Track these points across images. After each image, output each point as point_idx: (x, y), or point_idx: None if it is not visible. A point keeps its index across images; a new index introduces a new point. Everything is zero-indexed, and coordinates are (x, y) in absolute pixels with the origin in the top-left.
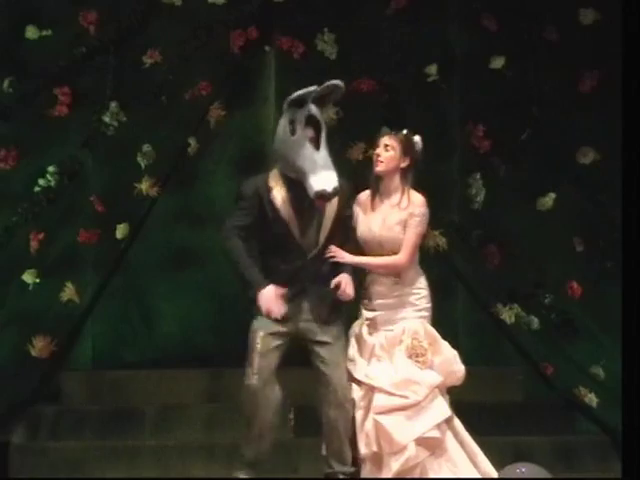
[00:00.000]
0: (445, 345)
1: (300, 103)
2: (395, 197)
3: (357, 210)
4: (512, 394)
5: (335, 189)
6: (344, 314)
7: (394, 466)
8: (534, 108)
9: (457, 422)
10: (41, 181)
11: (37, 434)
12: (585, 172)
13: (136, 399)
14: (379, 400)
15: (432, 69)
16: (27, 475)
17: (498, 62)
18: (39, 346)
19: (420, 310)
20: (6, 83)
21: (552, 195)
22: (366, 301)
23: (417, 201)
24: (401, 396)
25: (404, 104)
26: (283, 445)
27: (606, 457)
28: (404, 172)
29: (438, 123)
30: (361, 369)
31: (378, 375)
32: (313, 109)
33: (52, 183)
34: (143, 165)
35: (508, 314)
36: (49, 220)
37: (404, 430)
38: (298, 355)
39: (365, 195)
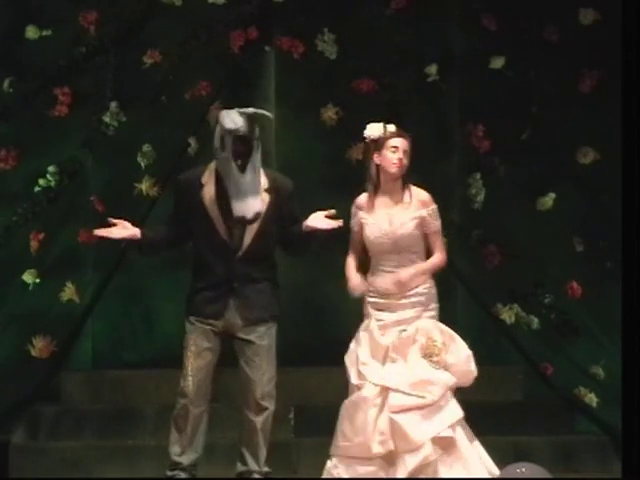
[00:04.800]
0: (461, 345)
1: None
2: (401, 195)
3: (360, 214)
4: (512, 394)
5: (256, 214)
6: (272, 316)
7: (410, 464)
8: (534, 108)
9: (464, 422)
10: (41, 181)
11: (37, 434)
12: (585, 172)
13: (136, 399)
14: (395, 399)
15: (432, 69)
16: (27, 475)
17: (498, 62)
18: (39, 346)
19: (430, 310)
20: (6, 83)
21: (552, 195)
22: (374, 300)
23: (426, 198)
24: (418, 396)
25: (404, 104)
26: (283, 445)
27: (606, 457)
28: (407, 170)
29: (438, 123)
30: (375, 372)
31: (392, 376)
32: (244, 130)
33: (52, 183)
34: (143, 165)
35: (508, 314)
36: (49, 220)
37: (420, 429)
38: (297, 356)
39: (363, 197)
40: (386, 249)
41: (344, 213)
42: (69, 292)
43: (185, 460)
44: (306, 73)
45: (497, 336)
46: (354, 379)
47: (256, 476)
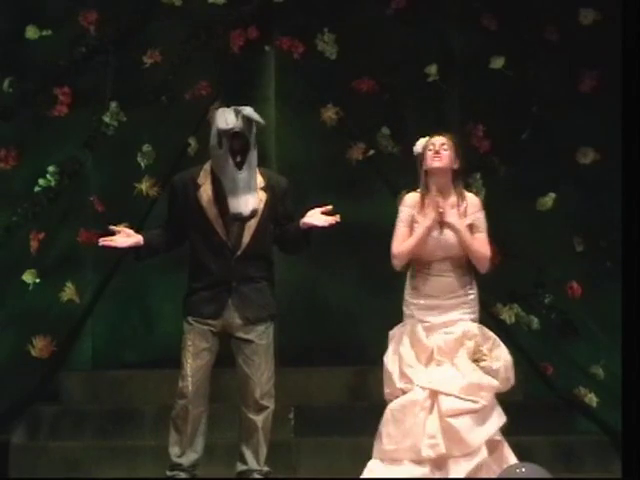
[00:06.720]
0: (505, 351)
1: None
2: (451, 199)
3: (412, 212)
4: (512, 394)
5: (252, 211)
6: (271, 315)
7: (466, 468)
8: (534, 108)
9: None
10: (41, 181)
11: (37, 434)
12: (585, 172)
13: (136, 399)
14: (448, 403)
15: (432, 69)
16: (27, 475)
17: (498, 62)
18: (39, 346)
19: (473, 312)
20: (6, 83)
21: (552, 195)
22: (419, 301)
23: (477, 202)
24: (471, 400)
25: (404, 104)
26: (283, 445)
27: (606, 457)
28: (456, 173)
29: (438, 123)
30: (422, 375)
31: (442, 380)
32: (239, 128)
33: (52, 183)
34: (143, 165)
35: (508, 314)
36: (49, 220)
37: (474, 433)
38: (297, 356)
39: (414, 197)
40: (437, 255)
41: (343, 212)
42: (69, 292)
43: (185, 461)
44: (306, 73)
45: (497, 336)
46: (398, 382)
47: (256, 476)
